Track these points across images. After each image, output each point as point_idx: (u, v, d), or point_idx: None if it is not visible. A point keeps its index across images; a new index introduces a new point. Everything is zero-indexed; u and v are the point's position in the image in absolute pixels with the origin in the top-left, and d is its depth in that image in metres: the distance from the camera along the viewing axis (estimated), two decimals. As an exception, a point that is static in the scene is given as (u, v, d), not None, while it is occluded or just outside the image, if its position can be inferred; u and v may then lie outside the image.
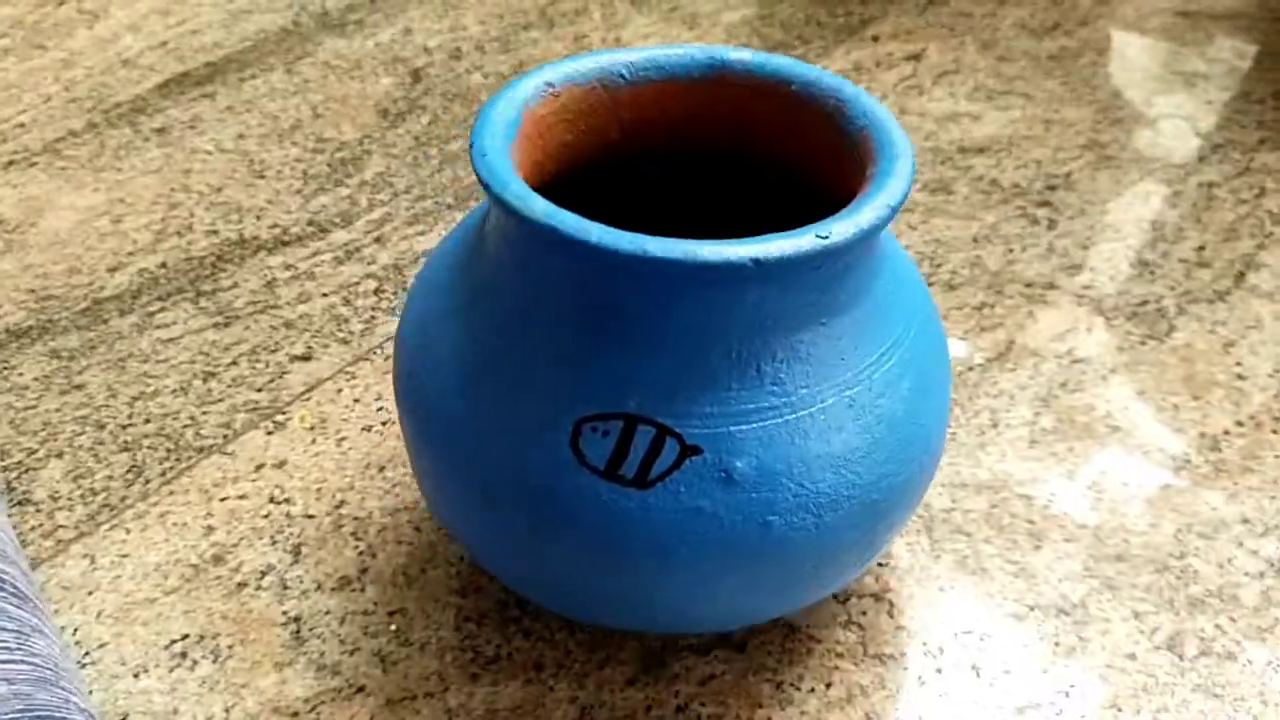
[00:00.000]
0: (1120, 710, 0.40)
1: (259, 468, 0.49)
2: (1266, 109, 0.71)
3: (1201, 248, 0.62)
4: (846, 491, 0.30)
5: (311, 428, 0.51)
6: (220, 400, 0.53)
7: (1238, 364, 0.55)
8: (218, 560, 0.45)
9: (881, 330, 0.31)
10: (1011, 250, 0.61)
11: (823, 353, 0.29)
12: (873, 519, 0.31)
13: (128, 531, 0.46)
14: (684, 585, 0.31)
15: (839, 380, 0.30)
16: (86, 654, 0.42)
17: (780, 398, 0.29)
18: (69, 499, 0.48)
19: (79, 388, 0.53)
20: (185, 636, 0.42)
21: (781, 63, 0.36)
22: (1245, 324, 0.57)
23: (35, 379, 0.54)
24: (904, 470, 0.31)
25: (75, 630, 0.43)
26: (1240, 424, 0.52)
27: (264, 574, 0.44)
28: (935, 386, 0.33)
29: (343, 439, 0.50)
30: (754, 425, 0.29)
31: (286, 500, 0.48)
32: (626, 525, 0.29)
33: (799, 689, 0.40)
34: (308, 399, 0.53)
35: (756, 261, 0.26)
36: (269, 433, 0.51)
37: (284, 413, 0.52)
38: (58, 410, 0.52)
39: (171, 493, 0.48)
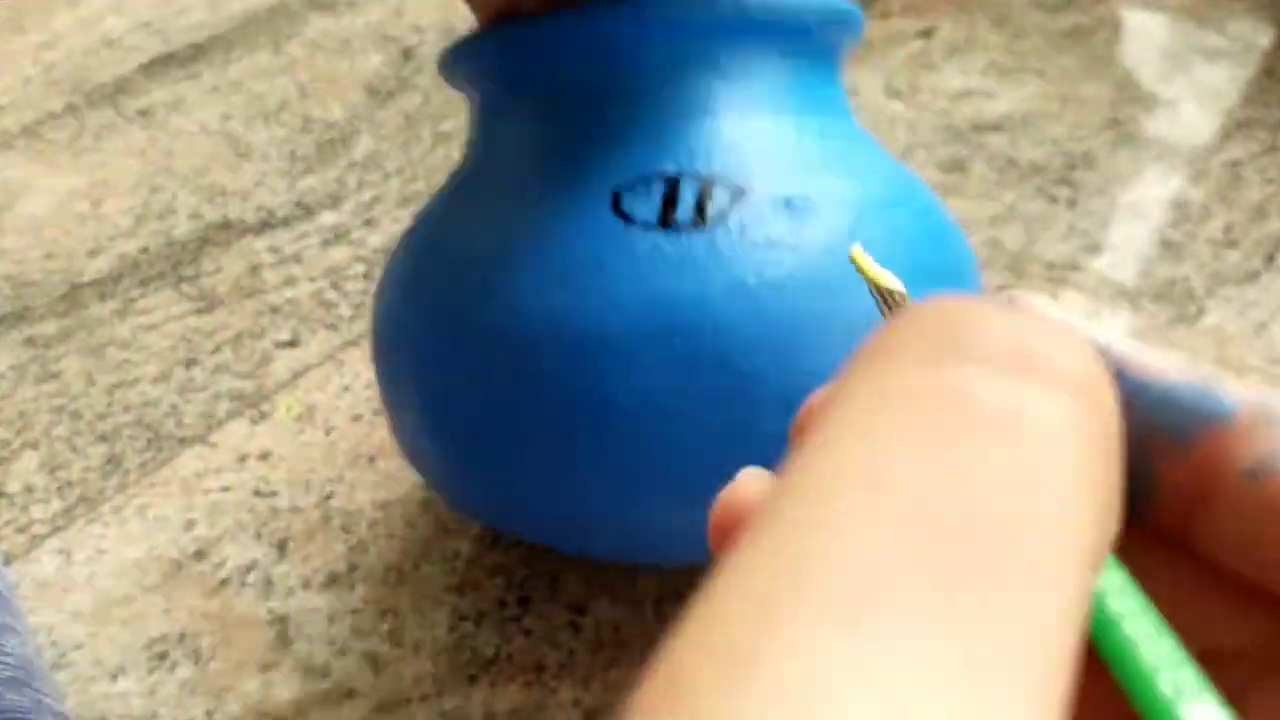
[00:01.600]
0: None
1: (243, 459, 0.47)
2: (1289, 87, 0.69)
3: (1229, 228, 0.60)
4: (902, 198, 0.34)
5: (299, 416, 0.49)
6: (202, 389, 0.51)
7: (1271, 347, 0.53)
8: (199, 556, 0.43)
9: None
10: (1031, 231, 0.59)
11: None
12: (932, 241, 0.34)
13: (105, 526, 0.45)
14: (767, 339, 0.30)
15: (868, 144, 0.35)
16: (62, 655, 0.40)
17: (816, 138, 0.32)
18: (44, 492, 0.46)
19: (55, 376, 0.52)
20: (165, 636, 0.40)
21: None
22: (1277, 306, 0.55)
23: (10, 367, 0.52)
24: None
25: (50, 630, 0.41)
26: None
27: (248, 570, 0.42)
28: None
29: (331, 428, 0.48)
30: (795, 164, 0.32)
31: (272, 493, 0.46)
32: (698, 269, 0.29)
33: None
34: (294, 387, 0.50)
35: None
36: (253, 422, 0.49)
37: (269, 401, 0.50)
38: (33, 400, 0.50)
39: (151, 485, 0.46)
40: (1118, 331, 0.13)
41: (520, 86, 0.34)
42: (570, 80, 0.33)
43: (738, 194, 0.30)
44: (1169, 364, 0.12)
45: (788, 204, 0.30)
